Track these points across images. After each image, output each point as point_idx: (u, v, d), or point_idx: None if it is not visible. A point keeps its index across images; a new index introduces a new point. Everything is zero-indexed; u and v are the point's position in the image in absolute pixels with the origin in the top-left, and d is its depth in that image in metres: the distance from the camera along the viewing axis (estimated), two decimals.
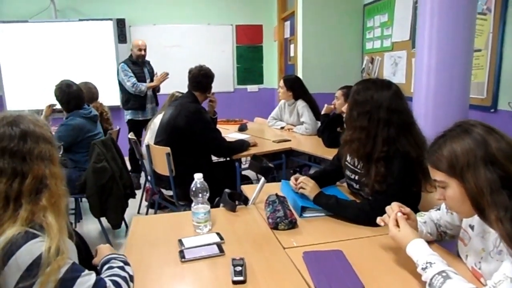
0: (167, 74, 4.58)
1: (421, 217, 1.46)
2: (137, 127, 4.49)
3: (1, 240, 0.92)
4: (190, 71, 3.08)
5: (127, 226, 3.48)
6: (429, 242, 1.41)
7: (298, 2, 4.74)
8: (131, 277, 1.12)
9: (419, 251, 1.15)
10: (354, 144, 1.68)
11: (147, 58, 4.71)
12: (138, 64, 4.57)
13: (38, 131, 1.03)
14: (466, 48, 2.33)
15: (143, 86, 4.45)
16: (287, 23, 5.63)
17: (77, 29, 5.53)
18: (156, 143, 2.93)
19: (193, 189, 1.51)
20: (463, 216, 1.20)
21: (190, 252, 1.34)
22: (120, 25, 5.60)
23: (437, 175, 1.13)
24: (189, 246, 1.38)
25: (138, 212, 3.84)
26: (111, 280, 1.03)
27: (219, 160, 3.27)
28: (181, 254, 1.33)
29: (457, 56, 2.31)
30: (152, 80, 4.65)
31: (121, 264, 1.14)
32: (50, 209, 0.99)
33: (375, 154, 1.62)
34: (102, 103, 3.86)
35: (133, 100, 4.54)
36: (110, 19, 5.57)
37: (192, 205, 1.53)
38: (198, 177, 1.52)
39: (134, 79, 4.45)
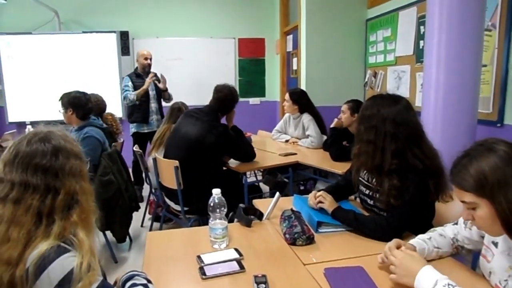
0: (154, 74, 4.47)
1: (426, 234, 1.44)
2: (142, 139, 4.46)
3: (34, 253, 0.91)
4: (219, 91, 3.01)
5: (131, 240, 3.45)
6: (443, 257, 1.42)
7: (301, 16, 4.80)
8: None
9: (434, 275, 1.12)
10: (362, 157, 1.71)
11: (153, 70, 4.65)
12: (141, 76, 4.52)
13: (68, 147, 1.03)
14: (474, 64, 2.36)
15: (131, 95, 4.36)
16: (290, 37, 5.69)
17: (81, 41, 5.57)
18: (170, 157, 2.87)
19: (211, 204, 1.50)
20: (493, 235, 1.18)
21: (210, 269, 1.32)
22: (124, 37, 5.65)
23: (465, 197, 1.10)
24: (209, 263, 1.36)
25: (142, 225, 3.82)
26: None
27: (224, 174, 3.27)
28: (202, 271, 1.31)
29: (465, 72, 2.34)
30: (157, 92, 4.58)
31: (145, 281, 1.12)
32: (81, 225, 0.99)
33: (385, 166, 1.63)
34: (113, 114, 3.86)
35: (137, 113, 4.49)
36: (114, 32, 5.61)
37: (210, 220, 1.52)
38: (216, 192, 1.51)
39: (126, 93, 4.40)
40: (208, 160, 2.80)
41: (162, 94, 4.65)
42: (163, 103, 4.73)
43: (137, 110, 4.48)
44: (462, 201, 1.13)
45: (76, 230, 0.98)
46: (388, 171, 1.62)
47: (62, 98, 2.96)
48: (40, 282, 0.90)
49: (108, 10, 5.70)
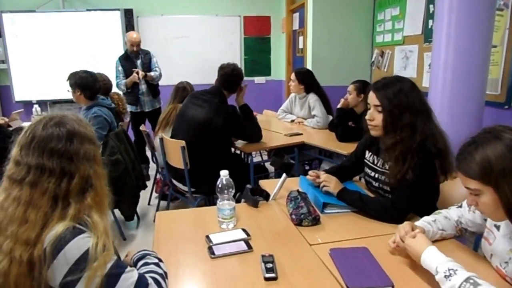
0: (136, 72, 4.41)
1: (431, 216, 1.47)
2: (136, 118, 4.59)
3: (51, 234, 0.95)
4: (223, 68, 3.01)
5: (138, 218, 3.52)
6: (447, 239, 1.45)
7: None
8: (166, 274, 1.14)
9: (437, 258, 1.14)
10: (400, 145, 1.61)
11: (148, 49, 4.70)
12: (130, 58, 4.53)
13: (83, 132, 1.06)
14: (484, 45, 2.32)
15: (121, 85, 4.48)
16: (296, 15, 5.60)
17: (85, 19, 5.52)
18: (178, 139, 2.88)
19: (219, 185, 1.53)
20: (496, 220, 1.20)
21: (219, 249, 1.36)
22: (128, 15, 5.58)
23: (470, 183, 1.11)
24: (217, 243, 1.40)
25: (149, 204, 3.88)
26: (151, 277, 1.05)
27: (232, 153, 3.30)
28: (210, 250, 1.35)
29: (474, 53, 2.31)
30: (148, 71, 4.54)
31: (156, 260, 1.16)
32: (95, 208, 1.02)
33: (413, 146, 1.59)
34: (119, 93, 3.87)
35: (128, 95, 4.55)
36: (118, 9, 5.55)
37: (218, 201, 1.55)
38: (224, 173, 1.54)
39: (118, 79, 4.49)
40: (216, 142, 2.82)
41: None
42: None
43: (128, 93, 4.55)
44: (467, 187, 1.14)
45: (90, 212, 1.01)
46: (413, 150, 1.59)
47: (69, 79, 2.97)
48: (57, 261, 0.94)
49: None
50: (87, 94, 2.98)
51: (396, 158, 1.63)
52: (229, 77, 2.97)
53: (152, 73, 4.54)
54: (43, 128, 1.02)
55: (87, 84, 2.95)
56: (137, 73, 4.39)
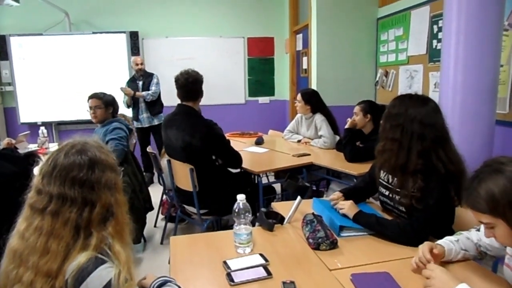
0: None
1: (454, 236, 1.45)
2: (140, 133, 5.15)
3: (73, 265, 0.93)
4: (177, 80, 2.83)
5: (145, 241, 3.47)
6: (469, 259, 1.42)
7: (312, 15, 4.78)
8: None
9: None
10: (386, 154, 1.71)
11: (153, 70, 5.27)
12: (135, 80, 5.16)
13: (104, 159, 1.04)
14: (493, 65, 2.34)
15: (124, 103, 5.06)
16: (299, 36, 5.67)
17: (91, 41, 5.59)
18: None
19: (236, 210, 1.51)
20: None
21: (237, 275, 1.33)
22: (133, 37, 5.67)
23: (482, 218, 1.12)
24: (236, 269, 1.37)
25: (155, 226, 3.84)
26: None
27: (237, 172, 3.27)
28: (229, 277, 1.32)
29: (483, 73, 2.32)
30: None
31: None
32: (116, 237, 1.00)
33: (411, 166, 1.62)
34: (126, 115, 3.90)
35: (132, 112, 5.22)
36: (123, 32, 5.63)
37: (234, 225, 1.53)
38: (240, 198, 1.52)
39: (124, 99, 5.08)
40: (204, 162, 2.76)
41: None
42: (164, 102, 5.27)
43: (132, 110, 5.21)
44: (480, 221, 1.14)
45: (112, 241, 0.99)
46: (413, 171, 1.62)
47: (100, 98, 3.11)
48: None
49: (117, 10, 5.71)
50: (117, 110, 3.25)
51: (401, 175, 1.67)
52: (186, 86, 2.80)
53: (142, 93, 5.06)
54: (65, 156, 1.01)
55: (115, 101, 3.22)
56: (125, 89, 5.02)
